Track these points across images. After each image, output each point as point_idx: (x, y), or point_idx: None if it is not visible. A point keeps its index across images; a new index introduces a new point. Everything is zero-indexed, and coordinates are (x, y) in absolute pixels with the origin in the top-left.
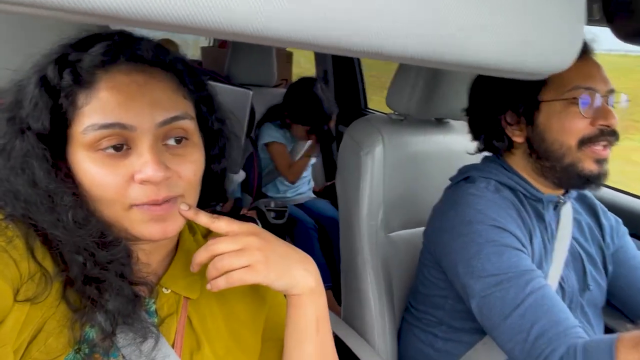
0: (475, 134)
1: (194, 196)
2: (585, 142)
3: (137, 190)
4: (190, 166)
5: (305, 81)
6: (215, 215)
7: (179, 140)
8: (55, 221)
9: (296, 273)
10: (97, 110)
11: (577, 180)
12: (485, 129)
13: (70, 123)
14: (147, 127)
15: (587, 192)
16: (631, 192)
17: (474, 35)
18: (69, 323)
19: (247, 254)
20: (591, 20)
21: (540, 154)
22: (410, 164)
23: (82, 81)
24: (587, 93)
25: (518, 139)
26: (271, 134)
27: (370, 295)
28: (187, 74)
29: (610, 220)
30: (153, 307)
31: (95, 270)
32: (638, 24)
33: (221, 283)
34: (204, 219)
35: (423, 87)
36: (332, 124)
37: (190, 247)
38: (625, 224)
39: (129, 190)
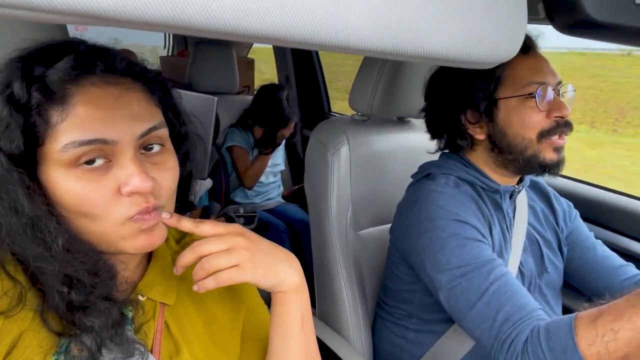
0: (435, 133)
1: (172, 204)
2: (544, 134)
3: (127, 203)
4: (170, 174)
5: (273, 86)
6: (198, 220)
7: (155, 150)
8: (42, 252)
9: (282, 270)
10: (75, 126)
11: (538, 169)
12: (447, 129)
13: (43, 141)
14: (128, 140)
15: (539, 180)
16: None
17: (431, 29)
18: (50, 344)
19: (235, 254)
20: (536, 19)
21: (503, 148)
22: (375, 162)
23: (55, 97)
24: (540, 87)
25: (480, 136)
26: (233, 138)
27: (344, 292)
28: (155, 82)
29: (562, 204)
30: (130, 315)
31: (81, 297)
32: (578, 15)
33: (210, 283)
34: (187, 225)
35: (384, 88)
36: (286, 132)
37: (164, 253)
38: (575, 207)
39: (119, 205)
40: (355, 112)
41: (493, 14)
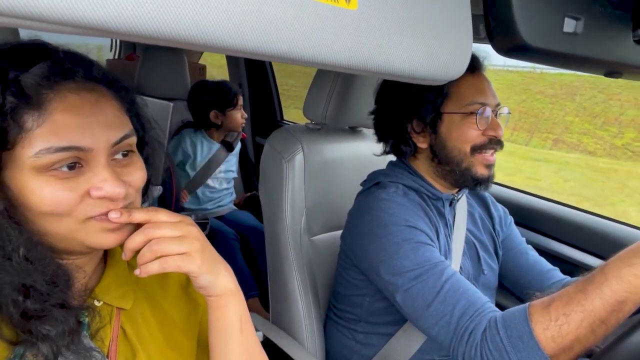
0: (381, 137)
1: (139, 200)
2: (476, 149)
3: (92, 204)
4: (139, 173)
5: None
6: (151, 208)
7: (125, 154)
8: (2, 262)
9: (220, 271)
10: (51, 133)
11: (470, 182)
12: (393, 135)
13: (12, 145)
14: (102, 147)
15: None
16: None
17: (390, 48)
18: (3, 352)
19: (186, 242)
20: (478, 39)
21: (442, 159)
22: (328, 170)
23: (31, 102)
24: (481, 107)
25: (422, 145)
26: (178, 147)
27: (298, 296)
28: (125, 91)
29: (499, 210)
30: (85, 320)
31: (37, 306)
32: (514, 41)
33: (154, 267)
34: (140, 216)
35: (336, 99)
36: (236, 114)
37: (119, 258)
38: (510, 213)
39: (82, 205)
40: (309, 121)
41: (443, 35)
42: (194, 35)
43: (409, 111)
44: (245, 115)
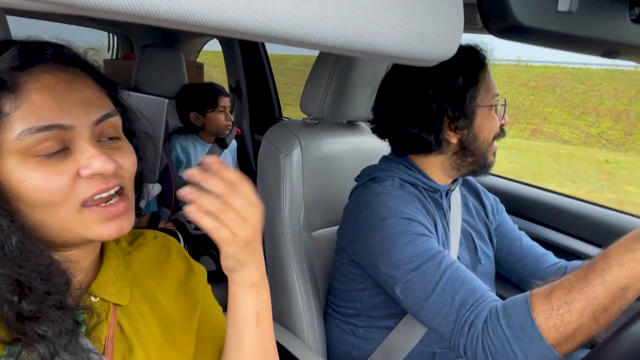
0: (393, 134)
1: (132, 189)
2: (495, 138)
3: (84, 185)
4: (129, 157)
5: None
6: (239, 176)
7: (112, 139)
8: None
9: (248, 264)
10: (30, 113)
11: (485, 170)
12: (421, 133)
13: None
14: (85, 125)
15: (469, 177)
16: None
17: (378, 27)
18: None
19: (244, 226)
20: (474, 29)
21: (472, 151)
22: (326, 165)
23: (6, 86)
24: (500, 98)
25: (453, 140)
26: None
27: (298, 292)
28: (102, 75)
29: (490, 199)
30: (82, 317)
31: (33, 307)
32: (508, 21)
33: (207, 222)
34: (231, 175)
35: (334, 93)
36: (219, 116)
37: (116, 254)
38: (500, 202)
39: (74, 189)
40: (306, 116)
41: (433, 16)
42: (171, 10)
43: (442, 109)
44: (230, 118)
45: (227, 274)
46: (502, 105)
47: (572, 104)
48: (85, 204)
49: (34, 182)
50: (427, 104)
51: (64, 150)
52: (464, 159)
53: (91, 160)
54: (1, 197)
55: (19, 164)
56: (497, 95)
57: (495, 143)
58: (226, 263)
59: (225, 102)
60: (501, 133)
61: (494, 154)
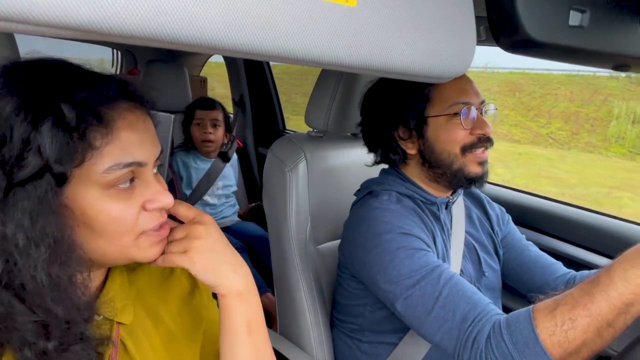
0: (371, 147)
1: None
2: (466, 148)
3: (148, 217)
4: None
5: None
6: (176, 201)
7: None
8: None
9: (224, 271)
10: (118, 149)
11: (464, 182)
12: (381, 144)
13: (81, 162)
14: (152, 161)
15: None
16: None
17: (392, 46)
18: None
19: (185, 241)
20: (479, 41)
21: (432, 163)
22: (331, 177)
23: (100, 121)
24: (465, 107)
25: (411, 151)
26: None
27: (305, 307)
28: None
29: (495, 209)
30: (102, 348)
31: (56, 342)
32: (519, 36)
33: (159, 261)
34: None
35: (338, 106)
36: (196, 132)
37: (121, 271)
38: (507, 212)
39: (139, 219)
40: (311, 129)
41: (446, 34)
42: (188, 34)
43: (393, 119)
44: (209, 131)
45: (212, 290)
46: (482, 112)
47: (529, 107)
48: (143, 232)
49: (108, 213)
50: (381, 116)
51: (131, 182)
52: (432, 170)
53: (157, 195)
54: (68, 223)
55: (99, 195)
56: (467, 103)
57: (480, 152)
58: (201, 279)
59: (202, 114)
60: (478, 142)
61: (480, 163)
